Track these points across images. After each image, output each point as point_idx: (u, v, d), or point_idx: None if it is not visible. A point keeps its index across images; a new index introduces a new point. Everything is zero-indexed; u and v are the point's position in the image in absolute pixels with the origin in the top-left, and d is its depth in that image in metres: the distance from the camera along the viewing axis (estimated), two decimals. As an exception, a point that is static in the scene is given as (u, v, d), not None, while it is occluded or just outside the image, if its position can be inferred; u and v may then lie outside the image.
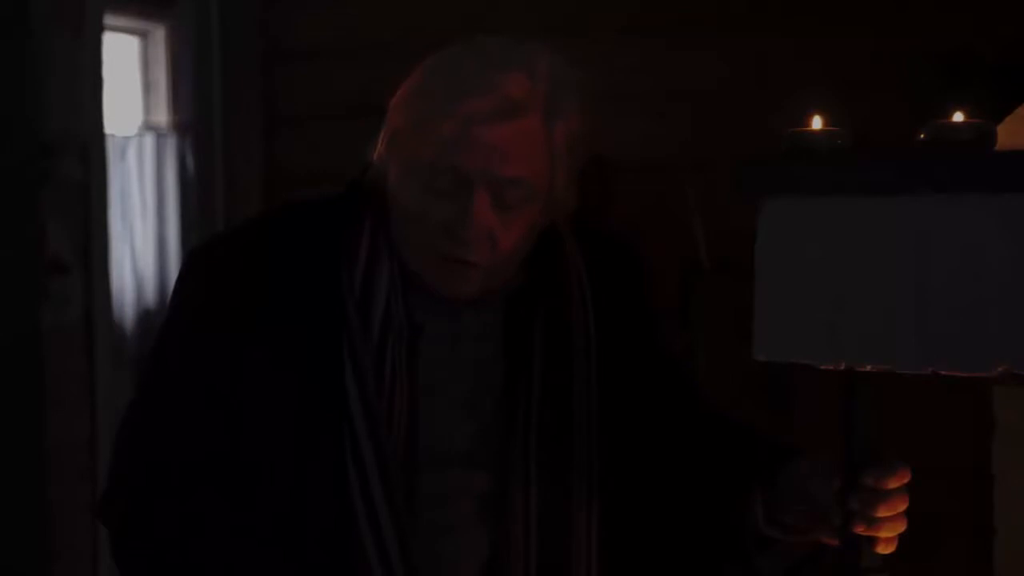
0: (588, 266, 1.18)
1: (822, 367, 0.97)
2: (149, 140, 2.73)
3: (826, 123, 0.98)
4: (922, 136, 0.93)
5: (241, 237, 1.18)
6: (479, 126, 1.04)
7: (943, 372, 0.92)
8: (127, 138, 2.69)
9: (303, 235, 1.13)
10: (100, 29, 2.34)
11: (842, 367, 0.97)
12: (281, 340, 1.09)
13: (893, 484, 1.02)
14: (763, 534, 1.12)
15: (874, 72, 2.08)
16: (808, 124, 0.98)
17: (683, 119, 2.25)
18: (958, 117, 0.93)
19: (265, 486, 1.09)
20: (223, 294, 1.11)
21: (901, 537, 1.03)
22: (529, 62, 1.07)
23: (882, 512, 1.01)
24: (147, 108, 2.78)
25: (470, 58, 1.07)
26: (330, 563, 1.08)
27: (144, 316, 2.68)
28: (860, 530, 1.02)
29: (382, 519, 1.07)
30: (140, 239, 2.72)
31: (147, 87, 2.77)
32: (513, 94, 1.05)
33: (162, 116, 2.79)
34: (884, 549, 1.03)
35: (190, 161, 2.75)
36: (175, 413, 1.12)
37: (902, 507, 1.03)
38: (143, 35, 2.77)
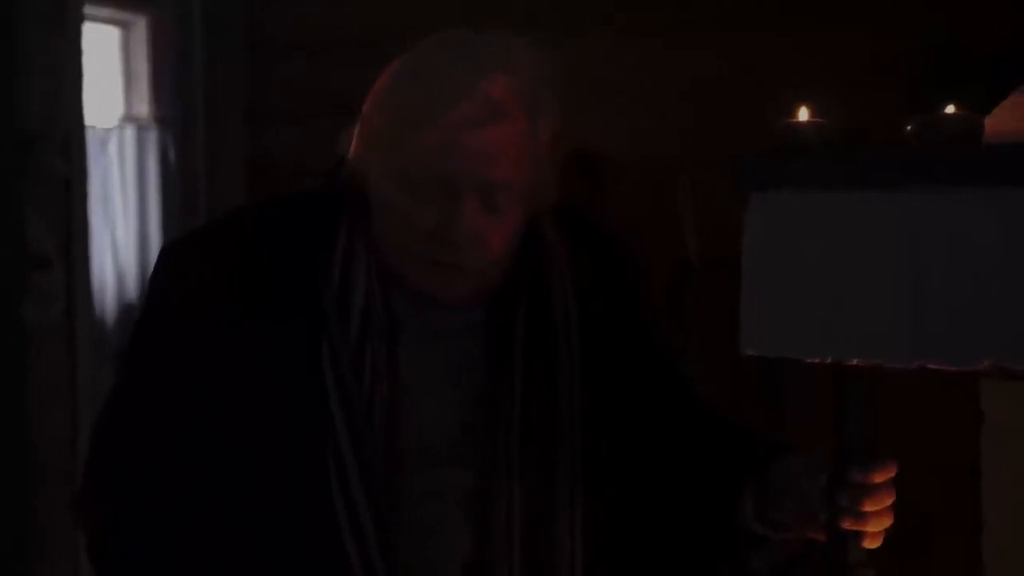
0: (572, 258, 1.17)
1: (810, 361, 0.96)
2: (130, 132, 2.70)
3: (812, 115, 0.97)
4: (909, 129, 0.93)
5: (216, 233, 1.17)
6: (466, 132, 1.02)
7: (932, 366, 0.91)
8: (108, 130, 2.66)
9: (279, 231, 1.12)
10: (80, 19, 2.31)
11: (829, 361, 0.96)
12: (259, 337, 1.08)
13: (879, 479, 1.02)
14: (754, 531, 1.11)
15: (869, 69, 2.07)
16: (795, 116, 0.97)
17: (677, 116, 2.25)
18: (947, 110, 0.92)
19: (244, 484, 1.08)
20: (198, 290, 1.10)
21: (892, 533, 1.03)
22: (510, 61, 1.06)
23: (868, 507, 1.01)
24: (128, 100, 2.76)
25: (450, 60, 1.05)
26: (311, 562, 1.07)
27: (126, 311, 2.66)
28: (847, 525, 1.02)
29: (363, 518, 1.06)
30: (121, 233, 2.69)
31: (128, 79, 2.75)
32: (497, 97, 1.03)
33: (143, 108, 2.76)
34: (870, 544, 1.03)
35: (172, 154, 2.73)
36: (151, 412, 1.10)
37: (888, 502, 1.03)
38: (124, 25, 2.74)
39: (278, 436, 1.07)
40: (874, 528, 1.02)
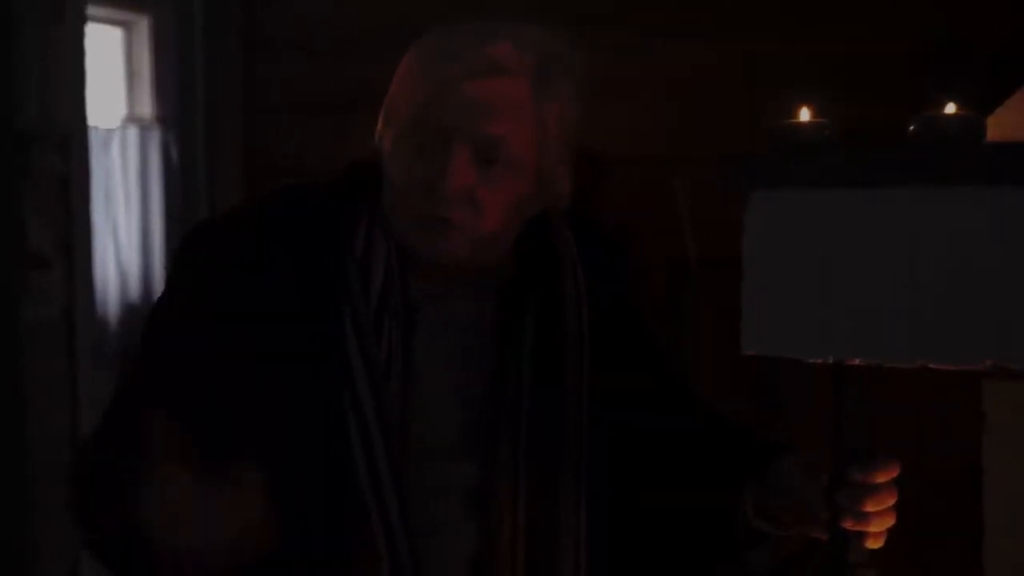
0: (582, 258, 1.17)
1: (811, 361, 0.96)
2: (133, 132, 2.71)
3: (813, 115, 0.97)
4: (911, 129, 0.93)
5: (239, 218, 1.18)
6: (460, 83, 1.05)
7: (933, 365, 0.91)
8: (110, 131, 2.66)
9: (302, 216, 1.12)
10: (83, 20, 2.31)
11: (830, 361, 0.96)
12: (281, 313, 1.08)
13: (880, 479, 1.01)
14: (754, 530, 1.11)
15: (869, 69, 2.07)
16: (796, 116, 0.97)
17: (676, 116, 2.25)
18: (948, 109, 0.92)
19: (264, 458, 1.07)
20: (222, 273, 1.10)
21: (891, 533, 1.03)
22: (521, 34, 1.09)
23: (870, 507, 1.01)
24: (131, 100, 2.76)
25: (463, 31, 1.09)
26: (331, 516, 1.07)
27: (128, 310, 2.66)
28: (848, 525, 1.01)
29: (383, 473, 1.06)
30: (124, 233, 2.70)
31: (131, 79, 2.75)
32: (496, 56, 1.06)
33: (146, 108, 2.77)
34: (872, 544, 1.02)
35: (174, 154, 2.73)
36: (168, 392, 1.10)
37: (890, 502, 1.02)
38: (126, 26, 2.75)
39: (299, 403, 1.07)
40: (876, 528, 1.02)
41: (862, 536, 1.02)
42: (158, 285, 2.66)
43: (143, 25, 2.74)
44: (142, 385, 1.12)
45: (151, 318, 1.15)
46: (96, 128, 2.51)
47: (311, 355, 1.08)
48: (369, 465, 1.06)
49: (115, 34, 2.74)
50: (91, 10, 2.40)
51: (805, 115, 0.98)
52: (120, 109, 2.75)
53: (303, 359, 1.08)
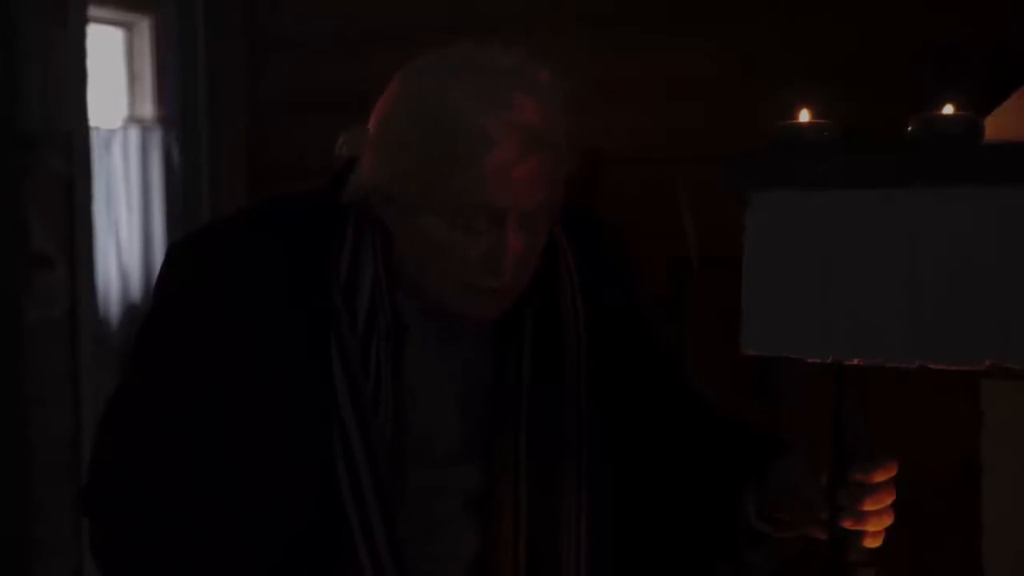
0: (577, 254, 1.18)
1: (810, 360, 0.96)
2: (134, 133, 2.71)
3: (814, 116, 0.98)
4: (909, 129, 0.93)
5: (224, 231, 1.17)
6: (509, 169, 1.03)
7: (933, 366, 0.91)
8: (112, 131, 2.67)
9: (286, 229, 1.12)
10: (84, 21, 2.32)
11: (830, 360, 0.96)
12: (267, 334, 1.08)
13: (880, 478, 1.02)
14: (754, 529, 1.11)
15: (864, 65, 2.07)
16: (796, 117, 0.98)
17: (675, 114, 2.25)
18: (947, 110, 0.93)
19: (252, 480, 1.09)
20: (207, 288, 1.11)
21: (891, 533, 1.03)
22: (530, 82, 1.06)
23: (869, 506, 1.02)
24: (132, 101, 2.77)
25: (472, 96, 1.03)
26: (317, 558, 1.07)
27: (130, 310, 2.67)
28: (848, 524, 1.02)
29: (371, 514, 1.07)
30: (126, 233, 2.70)
31: (132, 79, 2.76)
32: (529, 124, 1.04)
33: (147, 109, 2.77)
34: (871, 543, 1.03)
35: (176, 154, 2.74)
36: (159, 407, 1.11)
37: (889, 501, 1.03)
38: (128, 27, 2.75)
39: (286, 431, 1.08)
40: (875, 527, 1.02)
41: (861, 535, 1.02)
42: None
43: (144, 26, 2.75)
44: (138, 399, 1.13)
45: (140, 338, 1.15)
46: (98, 129, 2.52)
47: (297, 376, 1.08)
48: (352, 481, 1.06)
49: (117, 35, 2.74)
50: (93, 11, 2.41)
51: (805, 115, 0.98)
52: (122, 110, 2.75)
53: (289, 381, 1.08)
